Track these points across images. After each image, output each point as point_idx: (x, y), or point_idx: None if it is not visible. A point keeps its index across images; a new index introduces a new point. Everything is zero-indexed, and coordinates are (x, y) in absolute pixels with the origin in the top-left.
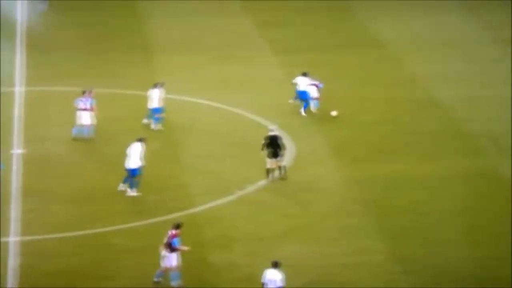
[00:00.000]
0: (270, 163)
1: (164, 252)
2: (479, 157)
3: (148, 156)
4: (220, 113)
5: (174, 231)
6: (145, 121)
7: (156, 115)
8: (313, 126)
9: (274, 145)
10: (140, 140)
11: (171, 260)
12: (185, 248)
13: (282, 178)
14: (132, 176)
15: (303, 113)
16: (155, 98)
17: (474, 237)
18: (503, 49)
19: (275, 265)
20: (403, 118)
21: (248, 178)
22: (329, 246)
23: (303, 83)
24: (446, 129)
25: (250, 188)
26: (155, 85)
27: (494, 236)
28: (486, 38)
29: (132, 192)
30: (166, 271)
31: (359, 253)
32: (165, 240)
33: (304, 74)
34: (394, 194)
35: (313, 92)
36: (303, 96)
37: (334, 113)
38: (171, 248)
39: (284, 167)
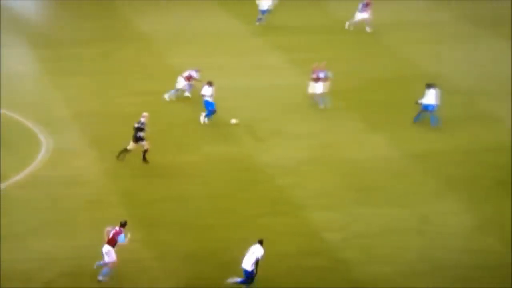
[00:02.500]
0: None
1: (107, 247)
2: (236, 146)
3: None
4: None
5: (119, 229)
6: None
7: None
8: (71, 121)
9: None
10: None
11: (113, 255)
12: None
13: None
14: None
15: None
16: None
17: (227, 221)
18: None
19: None
20: (161, 110)
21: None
22: (80, 239)
23: None
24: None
25: (3, 185)
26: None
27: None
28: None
29: None
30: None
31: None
32: (109, 236)
33: None
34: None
35: None
36: None
37: (234, 121)
38: (114, 244)
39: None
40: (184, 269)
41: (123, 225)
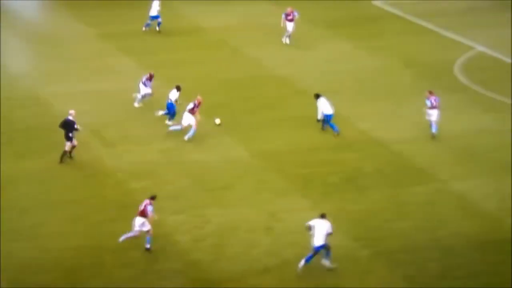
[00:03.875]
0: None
1: (140, 219)
2: (83, 151)
3: None
4: None
5: (149, 201)
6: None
7: None
8: None
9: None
10: None
11: (146, 225)
12: (155, 216)
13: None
14: None
15: None
16: None
17: (73, 228)
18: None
19: None
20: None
21: None
22: None
23: None
24: (43, 124)
25: None
26: None
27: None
28: None
29: None
30: (141, 234)
31: None
32: (140, 208)
33: None
34: None
35: None
36: None
37: (217, 121)
38: (146, 215)
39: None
40: (24, 280)
41: (153, 198)
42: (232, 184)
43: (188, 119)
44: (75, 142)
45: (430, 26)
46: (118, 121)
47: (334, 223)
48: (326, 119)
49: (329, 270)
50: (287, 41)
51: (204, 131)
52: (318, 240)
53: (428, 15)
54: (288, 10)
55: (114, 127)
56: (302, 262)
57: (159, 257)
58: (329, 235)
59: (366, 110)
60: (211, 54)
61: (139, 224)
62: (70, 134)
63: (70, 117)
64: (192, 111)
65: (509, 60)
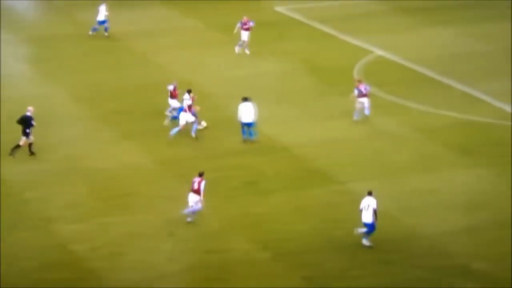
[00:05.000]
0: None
1: (195, 196)
2: None
3: None
4: None
5: (200, 178)
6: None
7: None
8: None
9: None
10: None
11: (199, 202)
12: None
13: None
14: None
15: None
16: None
17: None
18: None
19: None
20: None
21: None
22: None
23: None
24: None
25: None
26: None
27: None
28: None
29: None
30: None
31: None
32: (194, 186)
33: None
34: None
35: None
36: None
37: (203, 124)
38: (199, 192)
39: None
40: None
41: (201, 174)
42: (133, 192)
43: (185, 118)
44: (31, 138)
45: (331, 31)
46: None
47: (235, 227)
48: (248, 125)
49: (368, 247)
50: (246, 50)
51: (107, 138)
52: (367, 217)
53: (329, 21)
54: (244, 19)
55: (9, 134)
56: (361, 230)
57: (52, 268)
58: (375, 211)
59: (269, 115)
60: (115, 60)
61: (194, 201)
62: (28, 130)
63: (29, 113)
64: (189, 109)
65: (406, 64)
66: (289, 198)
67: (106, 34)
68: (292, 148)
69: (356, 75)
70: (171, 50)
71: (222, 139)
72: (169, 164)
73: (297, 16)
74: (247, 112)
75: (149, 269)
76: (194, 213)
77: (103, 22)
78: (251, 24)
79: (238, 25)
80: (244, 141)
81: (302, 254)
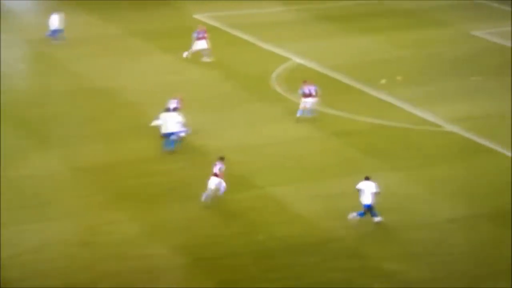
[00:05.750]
0: None
1: (216, 179)
2: None
3: None
4: None
5: (220, 163)
6: None
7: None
8: None
9: None
10: None
11: (222, 183)
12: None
13: None
14: None
15: None
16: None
17: None
18: None
19: None
20: None
21: None
22: None
23: None
24: None
25: None
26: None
27: None
28: None
29: None
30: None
31: None
32: (215, 170)
33: None
34: None
35: None
36: None
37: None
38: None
39: None
40: None
41: (222, 158)
42: (52, 199)
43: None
44: None
45: (249, 38)
46: None
47: (156, 233)
48: (167, 136)
49: (377, 223)
50: (207, 58)
51: (30, 146)
52: (367, 199)
53: (247, 28)
54: (199, 28)
55: None
56: (355, 214)
57: None
58: (376, 194)
59: (191, 121)
60: (34, 68)
61: (216, 183)
62: None
63: None
64: (175, 110)
65: (324, 71)
66: (212, 203)
67: (56, 41)
68: (213, 153)
69: (273, 81)
70: (93, 58)
71: (143, 146)
72: (89, 171)
73: (215, 23)
74: (169, 122)
75: (64, 277)
76: (222, 192)
77: (56, 31)
78: (204, 35)
79: (194, 35)
80: (166, 151)
81: (223, 258)
